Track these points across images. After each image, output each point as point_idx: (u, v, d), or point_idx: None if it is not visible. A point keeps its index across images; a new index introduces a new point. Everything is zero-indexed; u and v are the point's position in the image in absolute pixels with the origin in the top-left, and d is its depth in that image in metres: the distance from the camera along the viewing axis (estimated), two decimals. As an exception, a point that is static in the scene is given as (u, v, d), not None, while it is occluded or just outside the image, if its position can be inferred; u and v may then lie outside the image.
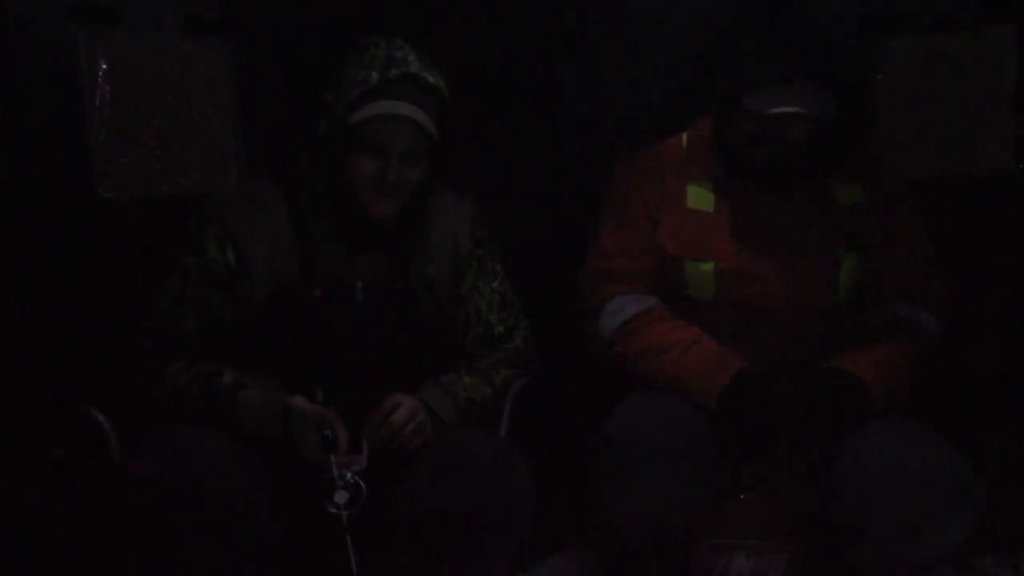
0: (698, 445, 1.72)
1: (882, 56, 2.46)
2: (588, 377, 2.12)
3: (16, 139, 2.03)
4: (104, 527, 1.78)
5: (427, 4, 2.38)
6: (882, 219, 1.98)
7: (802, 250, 1.93)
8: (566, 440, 2.52)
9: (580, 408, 2.44)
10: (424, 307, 1.76)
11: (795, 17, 1.92)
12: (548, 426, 2.04)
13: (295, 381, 1.64)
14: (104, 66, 2.13)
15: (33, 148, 2.05)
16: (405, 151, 1.64)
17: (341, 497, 1.49)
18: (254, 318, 1.70)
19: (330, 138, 1.63)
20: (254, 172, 2.28)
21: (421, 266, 1.77)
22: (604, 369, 2.01)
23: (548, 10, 2.51)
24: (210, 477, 1.45)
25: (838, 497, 1.70)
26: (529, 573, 2.44)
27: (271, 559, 1.50)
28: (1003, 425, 2.48)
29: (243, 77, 2.31)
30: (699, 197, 1.96)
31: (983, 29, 2.37)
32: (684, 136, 2.07)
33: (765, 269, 1.91)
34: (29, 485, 1.95)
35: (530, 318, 2.01)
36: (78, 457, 1.77)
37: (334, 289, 1.68)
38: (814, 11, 1.99)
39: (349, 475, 1.51)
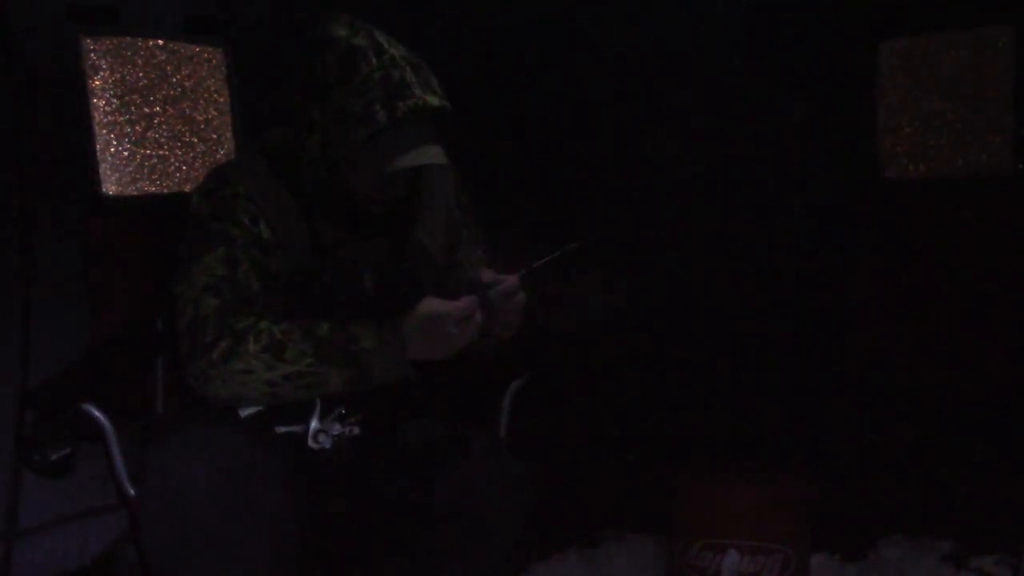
0: None
1: (882, 56, 2.46)
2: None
3: (18, 138, 2.04)
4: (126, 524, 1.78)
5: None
6: None
7: None
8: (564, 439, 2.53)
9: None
10: (427, 287, 1.72)
11: None
12: (547, 425, 2.03)
13: None
14: (104, 66, 2.13)
15: (35, 147, 2.06)
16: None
17: None
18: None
19: (328, 155, 1.55)
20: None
21: (420, 239, 1.73)
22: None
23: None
24: (236, 474, 1.41)
25: None
26: (529, 573, 2.44)
27: (292, 558, 1.48)
28: (1003, 424, 2.49)
29: (243, 77, 2.31)
30: None
31: (983, 29, 2.37)
32: None
33: None
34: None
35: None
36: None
37: (341, 275, 1.64)
38: (816, 12, 1.99)
39: None
